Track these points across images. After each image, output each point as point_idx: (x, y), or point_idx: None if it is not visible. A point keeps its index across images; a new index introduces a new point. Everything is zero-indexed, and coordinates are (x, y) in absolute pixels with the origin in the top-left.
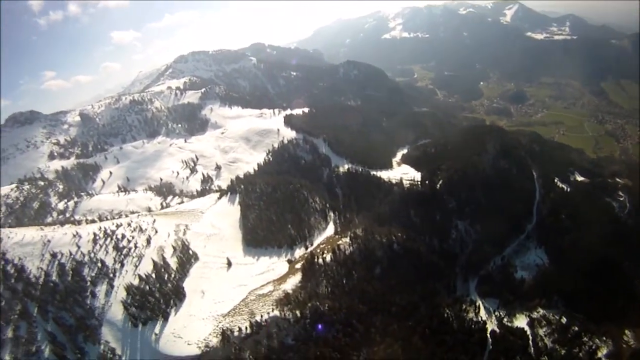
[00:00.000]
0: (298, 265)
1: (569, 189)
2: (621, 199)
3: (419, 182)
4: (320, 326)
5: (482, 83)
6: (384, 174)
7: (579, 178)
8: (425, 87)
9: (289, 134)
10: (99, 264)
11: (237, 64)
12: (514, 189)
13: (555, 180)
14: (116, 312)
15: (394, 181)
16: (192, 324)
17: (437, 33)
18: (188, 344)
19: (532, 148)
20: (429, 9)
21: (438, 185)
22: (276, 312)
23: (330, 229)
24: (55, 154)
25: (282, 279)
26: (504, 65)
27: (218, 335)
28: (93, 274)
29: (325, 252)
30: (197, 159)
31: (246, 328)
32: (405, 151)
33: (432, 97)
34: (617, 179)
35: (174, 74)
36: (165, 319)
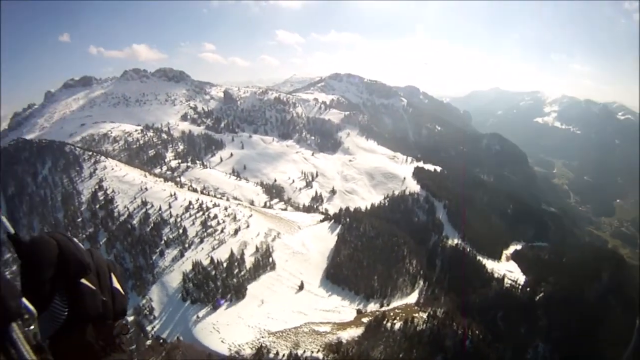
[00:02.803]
0: (365, 320)
1: None
2: None
3: (520, 287)
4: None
5: (618, 201)
6: (489, 264)
7: None
8: (561, 187)
9: (414, 186)
10: (180, 231)
11: (387, 100)
12: (612, 331)
13: None
14: (174, 279)
15: (496, 275)
16: (236, 326)
17: (589, 133)
18: (222, 341)
19: None
20: (587, 104)
21: (537, 297)
22: (319, 355)
23: (413, 297)
24: (188, 117)
25: (343, 326)
26: None
27: (253, 349)
28: (171, 237)
29: (398, 318)
30: (316, 176)
31: (284, 355)
32: (519, 247)
33: (565, 199)
34: None
35: (324, 88)
36: (215, 308)
